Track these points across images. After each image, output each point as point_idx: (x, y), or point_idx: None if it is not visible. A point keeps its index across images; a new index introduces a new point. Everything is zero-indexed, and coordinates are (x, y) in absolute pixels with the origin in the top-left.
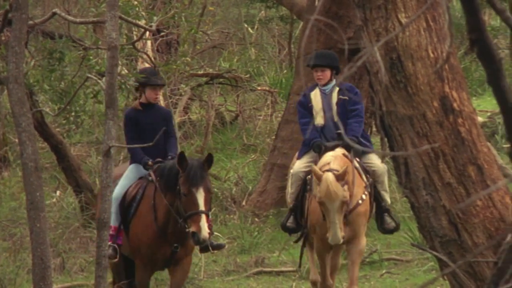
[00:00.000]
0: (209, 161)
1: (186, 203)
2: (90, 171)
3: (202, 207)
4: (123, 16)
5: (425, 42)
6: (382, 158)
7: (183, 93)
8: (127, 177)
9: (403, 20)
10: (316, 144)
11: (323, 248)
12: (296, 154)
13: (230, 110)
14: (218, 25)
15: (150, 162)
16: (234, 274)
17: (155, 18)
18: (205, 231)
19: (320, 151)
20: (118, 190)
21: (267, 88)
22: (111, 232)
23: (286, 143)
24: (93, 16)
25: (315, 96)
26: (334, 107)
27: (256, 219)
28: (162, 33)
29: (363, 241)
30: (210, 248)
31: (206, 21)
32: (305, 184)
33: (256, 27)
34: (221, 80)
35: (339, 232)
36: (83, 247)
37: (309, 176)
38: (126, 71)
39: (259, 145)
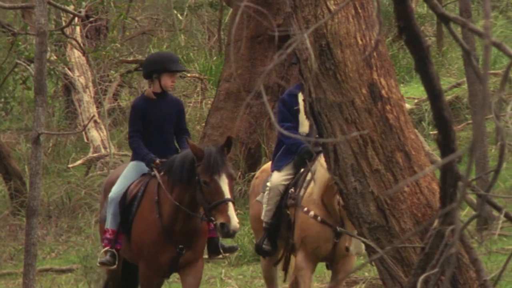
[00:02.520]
0: (228, 144)
1: (208, 193)
2: (19, 159)
3: (227, 194)
4: (51, 1)
5: (353, 29)
6: (312, 145)
7: (112, 80)
8: (126, 175)
9: (332, 7)
10: (305, 150)
11: (312, 262)
12: (268, 165)
13: None
14: (147, 11)
15: (158, 161)
16: None
17: (83, 3)
18: (235, 220)
19: (311, 158)
20: (116, 189)
21: (197, 75)
22: (108, 236)
23: (216, 130)
24: (22, 1)
25: (301, 100)
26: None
27: None
28: (91, 19)
29: (354, 260)
30: (222, 250)
31: (135, 7)
32: (282, 199)
33: (185, 13)
34: None
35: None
36: (12, 235)
37: (292, 190)
38: (55, 57)
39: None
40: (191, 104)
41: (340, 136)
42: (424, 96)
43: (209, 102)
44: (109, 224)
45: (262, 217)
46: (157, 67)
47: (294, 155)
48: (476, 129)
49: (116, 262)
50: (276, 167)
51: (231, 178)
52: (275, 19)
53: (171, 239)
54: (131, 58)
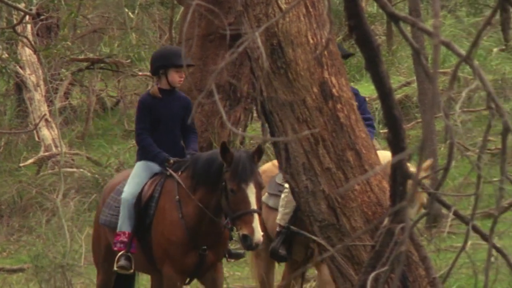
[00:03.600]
0: (259, 152)
1: (234, 201)
2: None
3: (254, 205)
4: None
5: (305, 28)
6: (263, 143)
7: (63, 78)
8: (137, 175)
9: (283, 6)
10: None
11: None
12: (269, 166)
13: (111, 95)
14: (99, 9)
15: (171, 160)
16: None
17: (34, 1)
18: (259, 233)
19: None
20: (129, 190)
21: (148, 74)
22: (123, 239)
23: None
24: None
25: None
26: None
27: None
28: (42, 17)
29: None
30: (227, 255)
31: (86, 5)
32: None
33: (136, 11)
34: (102, 65)
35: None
36: None
37: None
38: (6, 55)
39: None
40: None
41: (291, 135)
42: (374, 94)
43: None
44: (123, 227)
45: (277, 220)
46: (163, 62)
47: None
48: (425, 127)
49: (133, 267)
50: None
51: (259, 188)
52: (226, 18)
53: (195, 241)
54: (82, 57)
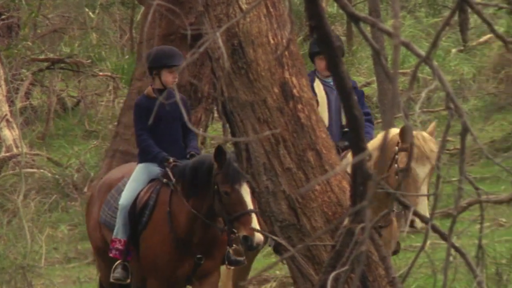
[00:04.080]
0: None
1: (230, 204)
2: None
3: (250, 205)
4: None
5: (265, 29)
6: (224, 144)
7: (24, 78)
8: (136, 179)
9: (244, 6)
10: None
11: None
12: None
13: (71, 95)
14: (59, 9)
15: (171, 160)
16: (75, 261)
17: None
18: (258, 233)
19: (338, 154)
20: (127, 195)
21: (109, 74)
22: (118, 246)
23: (128, 129)
24: None
25: (319, 90)
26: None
27: None
28: (2, 17)
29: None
30: (227, 262)
31: (47, 4)
32: None
33: (97, 11)
34: (62, 65)
35: (427, 212)
36: None
37: None
38: None
39: (101, 131)
40: (103, 103)
41: (252, 135)
42: None
43: (122, 101)
44: (119, 234)
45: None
46: (155, 63)
47: None
48: (385, 127)
49: (129, 276)
50: None
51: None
52: (187, 18)
53: (189, 251)
54: (42, 57)
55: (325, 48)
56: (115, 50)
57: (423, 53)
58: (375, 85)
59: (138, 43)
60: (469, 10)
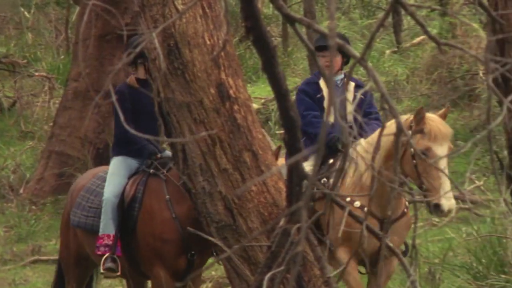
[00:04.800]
0: None
1: None
2: None
3: None
4: None
5: (201, 29)
6: (160, 144)
7: None
8: (116, 172)
9: (180, 7)
10: (336, 138)
11: (355, 262)
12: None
13: (7, 96)
14: None
15: (160, 155)
16: (10, 263)
17: None
18: None
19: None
20: (111, 190)
21: (45, 74)
22: (106, 242)
23: (64, 130)
24: None
25: (325, 86)
26: (349, 106)
27: (34, 207)
28: None
29: (395, 261)
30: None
31: None
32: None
33: (32, 11)
34: None
35: (452, 194)
36: None
37: (325, 180)
38: None
39: (37, 132)
40: (38, 104)
41: (188, 136)
42: (271, 96)
43: (57, 101)
44: (107, 229)
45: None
46: (141, 51)
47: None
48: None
49: (119, 269)
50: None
51: None
52: (123, 18)
53: (187, 245)
54: None
55: (261, 49)
56: (51, 50)
57: (357, 54)
58: None
59: (74, 43)
60: (403, 11)
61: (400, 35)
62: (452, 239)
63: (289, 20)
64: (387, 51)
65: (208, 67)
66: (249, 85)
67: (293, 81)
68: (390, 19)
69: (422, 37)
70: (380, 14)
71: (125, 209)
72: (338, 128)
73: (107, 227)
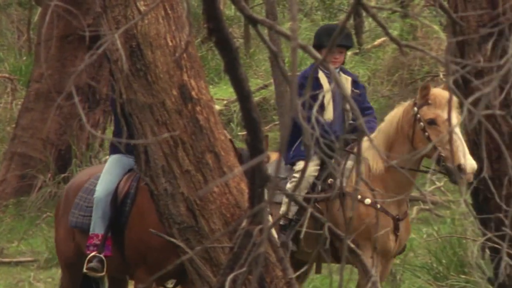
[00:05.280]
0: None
1: None
2: None
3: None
4: None
5: (164, 31)
6: (122, 146)
7: None
8: (110, 171)
9: (142, 8)
10: (339, 138)
11: (381, 257)
12: (277, 155)
13: None
14: None
15: None
16: None
17: None
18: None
19: (347, 146)
20: (104, 187)
21: (7, 75)
22: (95, 242)
23: (26, 131)
24: None
25: (324, 82)
26: (351, 100)
27: None
28: None
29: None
30: None
31: None
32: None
33: None
34: None
35: (471, 157)
36: None
37: (331, 180)
38: None
39: None
40: (1, 105)
41: (151, 137)
42: (233, 97)
43: (20, 103)
44: (96, 228)
45: (282, 212)
46: None
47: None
48: (283, 130)
49: (104, 270)
50: (303, 156)
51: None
52: (85, 19)
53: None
54: None
55: (223, 51)
56: (13, 51)
57: (319, 56)
58: (272, 88)
59: (36, 44)
60: (364, 13)
61: (361, 37)
62: (412, 240)
63: (251, 21)
64: (349, 53)
65: (170, 68)
66: (211, 86)
67: (255, 83)
68: (351, 21)
69: (383, 38)
70: (342, 16)
71: (118, 205)
72: (339, 126)
73: (96, 226)
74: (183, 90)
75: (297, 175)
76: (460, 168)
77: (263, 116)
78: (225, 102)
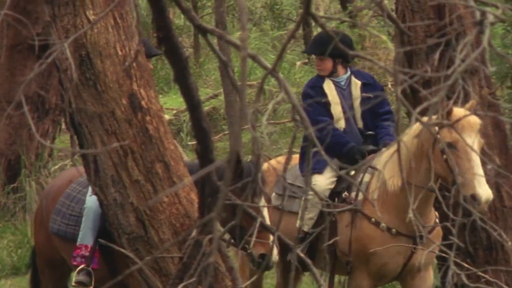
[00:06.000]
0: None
1: (248, 218)
2: None
3: (267, 220)
4: None
5: (113, 40)
6: (72, 156)
7: None
8: None
9: (92, 17)
10: (356, 149)
11: (373, 284)
12: (295, 166)
13: None
14: None
15: None
16: None
17: None
18: (275, 252)
19: (364, 158)
20: (95, 198)
21: None
22: (83, 253)
23: None
24: None
25: (330, 90)
26: (358, 109)
27: None
28: None
29: (431, 274)
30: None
31: None
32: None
33: None
34: None
35: (486, 184)
36: None
37: (346, 194)
38: None
39: None
40: None
41: (100, 147)
42: (183, 107)
43: None
44: (85, 239)
45: (298, 225)
46: None
47: (338, 156)
48: (233, 139)
49: (92, 283)
50: (317, 169)
51: (269, 202)
52: (34, 28)
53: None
54: None
55: (173, 60)
56: None
57: (269, 65)
58: (222, 97)
59: None
60: (313, 23)
61: None
62: None
63: (201, 31)
64: (298, 63)
65: (120, 77)
66: (161, 96)
67: (205, 92)
68: (300, 31)
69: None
70: (291, 26)
71: None
72: (353, 136)
73: (85, 237)
74: (133, 99)
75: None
76: (474, 198)
77: (213, 126)
78: (174, 111)
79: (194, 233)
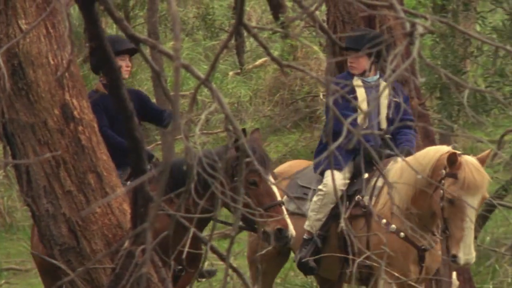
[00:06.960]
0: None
1: (256, 195)
2: None
3: (279, 196)
4: None
5: (45, 49)
6: (5, 166)
7: None
8: None
9: (24, 27)
10: (375, 150)
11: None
12: (284, 167)
13: None
14: None
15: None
16: None
17: None
18: (291, 225)
19: (381, 159)
20: None
21: None
22: None
23: None
24: None
25: (358, 87)
26: (384, 110)
27: None
28: None
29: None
30: (207, 274)
31: None
32: (336, 207)
33: None
34: None
35: (472, 246)
36: None
37: (359, 197)
38: None
39: None
40: None
41: (32, 157)
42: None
43: None
44: None
45: (306, 227)
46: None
47: (354, 154)
48: (166, 150)
49: None
50: (336, 166)
51: (276, 179)
52: None
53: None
54: None
55: (106, 70)
56: None
57: (202, 75)
58: None
59: None
60: (246, 33)
61: (242, 57)
62: (293, 259)
63: (133, 40)
64: (230, 73)
65: (52, 87)
66: None
67: None
68: (233, 41)
69: (264, 59)
70: (224, 36)
71: None
72: (373, 137)
73: None
74: (65, 109)
75: (323, 188)
76: (454, 258)
77: (146, 136)
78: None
79: (126, 243)
